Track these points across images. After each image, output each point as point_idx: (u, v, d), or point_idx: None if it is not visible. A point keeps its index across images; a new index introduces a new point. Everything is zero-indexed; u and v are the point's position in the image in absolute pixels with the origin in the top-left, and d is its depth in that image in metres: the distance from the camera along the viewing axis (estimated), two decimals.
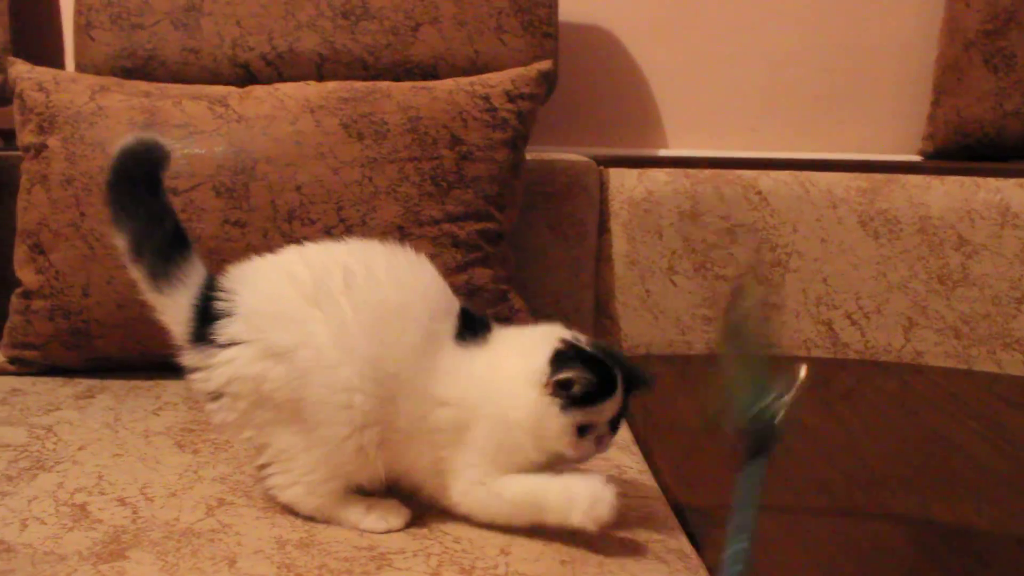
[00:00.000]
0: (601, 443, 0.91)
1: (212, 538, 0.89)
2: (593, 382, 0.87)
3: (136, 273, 0.94)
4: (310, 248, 0.96)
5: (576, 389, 0.87)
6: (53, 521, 0.92)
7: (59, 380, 1.35)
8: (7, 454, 1.09)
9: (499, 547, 0.88)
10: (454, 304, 0.95)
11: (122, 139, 0.94)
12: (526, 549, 0.88)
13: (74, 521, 0.92)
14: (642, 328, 1.64)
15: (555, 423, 0.87)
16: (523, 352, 0.91)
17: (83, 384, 1.33)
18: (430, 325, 0.90)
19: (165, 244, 0.92)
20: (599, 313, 1.64)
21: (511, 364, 0.90)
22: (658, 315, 1.64)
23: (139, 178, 0.93)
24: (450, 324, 0.92)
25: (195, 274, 0.93)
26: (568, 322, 1.48)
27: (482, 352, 0.92)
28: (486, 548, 0.88)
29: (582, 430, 0.89)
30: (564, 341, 0.91)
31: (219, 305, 0.90)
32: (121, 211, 0.93)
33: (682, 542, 0.94)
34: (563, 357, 0.88)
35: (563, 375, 0.87)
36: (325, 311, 0.88)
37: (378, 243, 0.95)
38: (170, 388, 1.30)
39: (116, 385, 1.33)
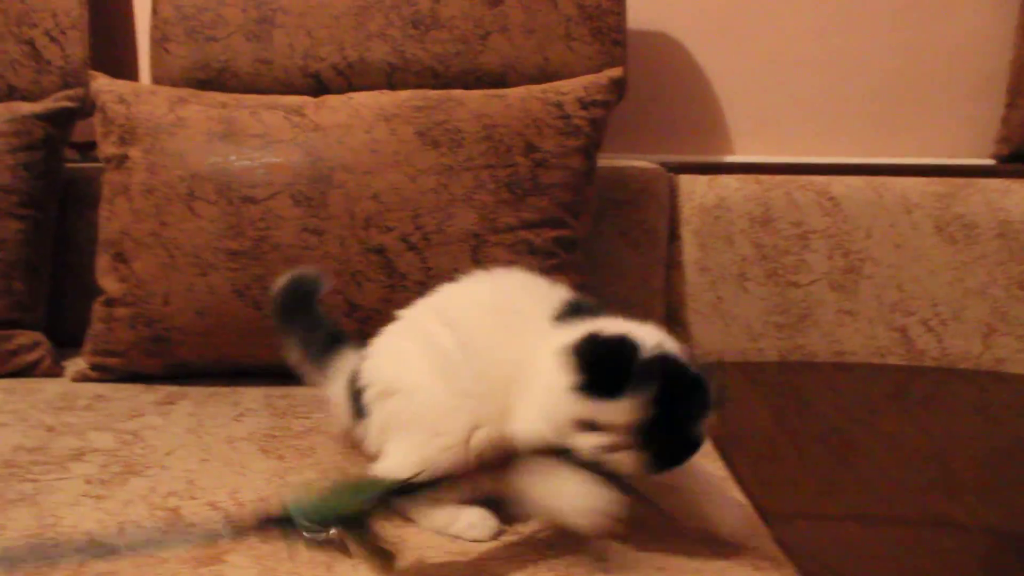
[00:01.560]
0: (609, 453, 0.81)
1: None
2: (598, 367, 0.79)
3: (308, 371, 1.10)
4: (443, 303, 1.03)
5: (581, 368, 0.80)
6: (149, 525, 0.93)
7: (140, 387, 1.37)
8: (98, 458, 1.10)
9: (594, 554, 0.88)
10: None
11: (282, 276, 1.12)
12: (622, 555, 0.88)
13: (169, 526, 0.93)
14: (713, 335, 1.63)
15: (558, 401, 0.81)
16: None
17: (163, 390, 1.35)
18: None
19: (321, 345, 1.09)
20: (669, 320, 1.63)
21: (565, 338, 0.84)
22: (729, 322, 1.62)
23: (298, 302, 1.12)
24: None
25: (348, 362, 1.06)
26: None
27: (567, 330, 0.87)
28: (579, 555, 0.87)
29: (590, 427, 0.81)
30: (630, 333, 0.83)
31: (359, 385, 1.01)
32: (287, 326, 1.11)
33: (774, 550, 0.93)
34: (601, 339, 0.81)
35: (576, 346, 0.80)
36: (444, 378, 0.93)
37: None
38: (248, 394, 1.32)
39: (196, 391, 1.35)
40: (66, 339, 1.50)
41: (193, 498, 1.00)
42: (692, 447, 0.84)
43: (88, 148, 1.77)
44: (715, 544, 0.91)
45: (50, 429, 1.21)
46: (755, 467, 1.19)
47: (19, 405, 1.30)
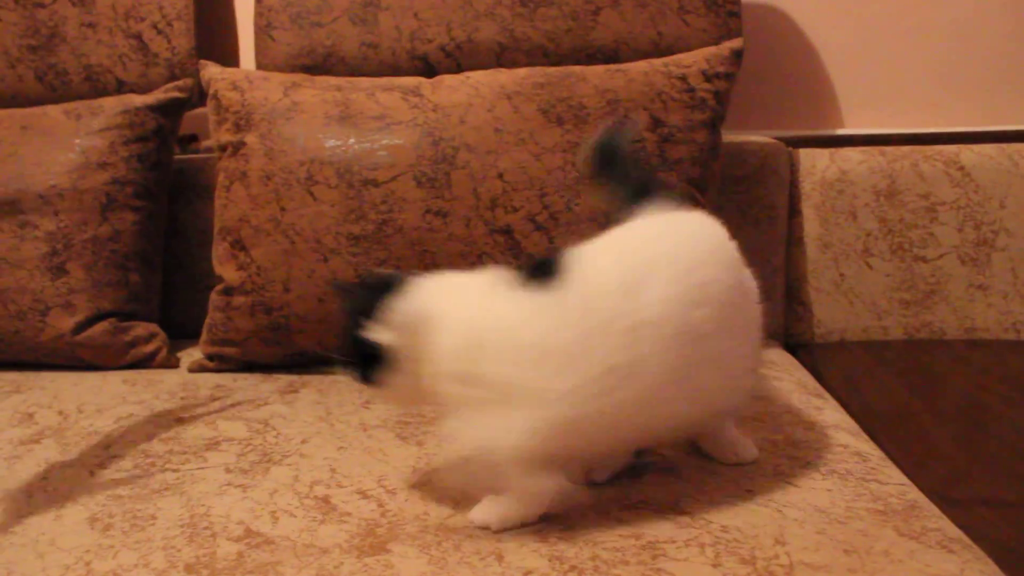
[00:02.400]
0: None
1: (469, 533, 0.86)
2: None
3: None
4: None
5: None
6: (302, 514, 0.91)
7: (258, 376, 1.36)
8: (234, 447, 1.09)
9: (773, 536, 0.83)
10: None
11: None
12: (801, 538, 0.83)
13: (323, 514, 0.91)
14: (836, 313, 1.57)
15: None
16: None
17: (284, 379, 1.34)
18: None
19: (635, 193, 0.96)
20: (790, 298, 1.57)
21: None
22: (853, 299, 1.57)
23: (611, 155, 0.99)
24: None
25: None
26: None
27: None
28: (760, 537, 0.83)
29: None
30: None
31: None
32: (603, 179, 0.99)
33: (957, 531, 0.87)
34: None
35: None
36: None
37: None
38: None
39: (316, 380, 1.33)
40: (174, 330, 1.50)
41: (340, 486, 0.97)
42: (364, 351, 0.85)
43: (188, 141, 1.77)
44: (896, 524, 0.86)
45: (179, 420, 1.20)
46: (906, 447, 1.14)
47: (144, 396, 1.29)
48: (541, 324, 0.81)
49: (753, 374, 0.98)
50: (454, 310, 0.85)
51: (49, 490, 1.00)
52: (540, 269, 0.84)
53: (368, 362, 0.86)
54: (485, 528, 0.86)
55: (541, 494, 0.85)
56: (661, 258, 0.85)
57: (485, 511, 0.87)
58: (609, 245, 0.87)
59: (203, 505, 0.94)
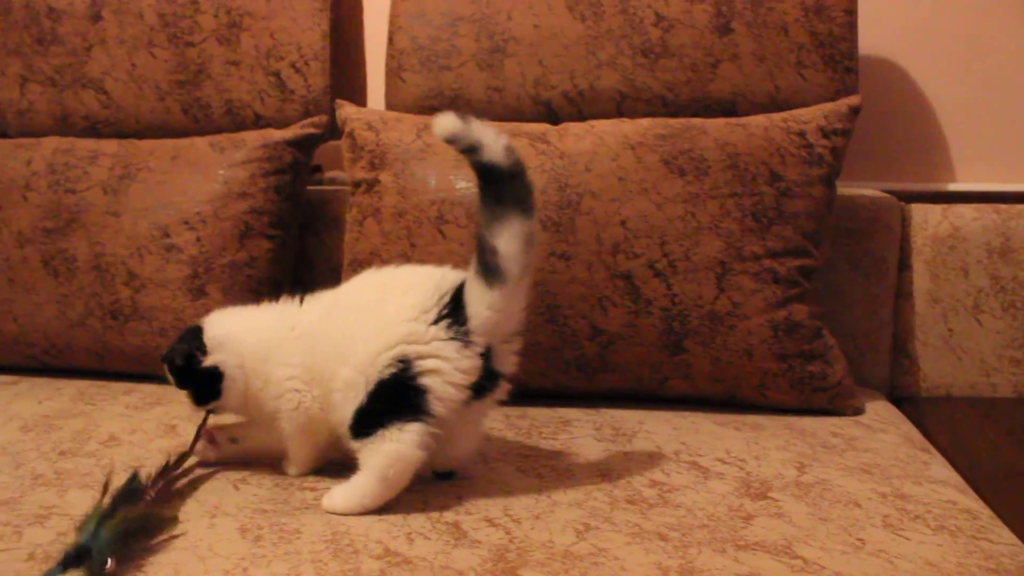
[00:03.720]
0: None
1: (594, 561, 0.92)
2: None
3: None
4: None
5: None
6: (435, 537, 0.97)
7: None
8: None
9: None
10: None
11: None
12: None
13: (455, 539, 0.97)
14: (943, 368, 1.59)
15: None
16: None
17: None
18: None
19: None
20: (897, 352, 1.59)
21: None
22: (961, 355, 1.58)
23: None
24: None
25: None
26: (863, 360, 1.48)
27: None
28: None
29: None
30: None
31: None
32: None
33: None
34: None
35: None
36: None
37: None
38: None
39: None
40: None
41: (469, 514, 1.03)
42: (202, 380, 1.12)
43: (313, 171, 1.87)
44: None
45: None
46: (1015, 508, 1.15)
47: None
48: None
49: None
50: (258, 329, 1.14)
51: (200, 499, 1.08)
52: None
53: (204, 385, 1.11)
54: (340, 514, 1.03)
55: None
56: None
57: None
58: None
59: (343, 523, 1.01)
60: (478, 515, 1.03)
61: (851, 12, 1.51)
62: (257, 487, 1.11)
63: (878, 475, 1.14)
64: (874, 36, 1.71)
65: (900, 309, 1.59)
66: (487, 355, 1.02)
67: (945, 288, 1.58)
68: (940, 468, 1.19)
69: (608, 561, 0.92)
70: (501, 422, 1.33)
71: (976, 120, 1.72)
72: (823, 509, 1.04)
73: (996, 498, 1.17)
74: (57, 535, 0.99)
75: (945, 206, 1.60)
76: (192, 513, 1.04)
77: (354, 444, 1.04)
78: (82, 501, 1.07)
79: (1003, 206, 1.58)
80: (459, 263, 1.33)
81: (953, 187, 1.73)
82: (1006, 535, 1.01)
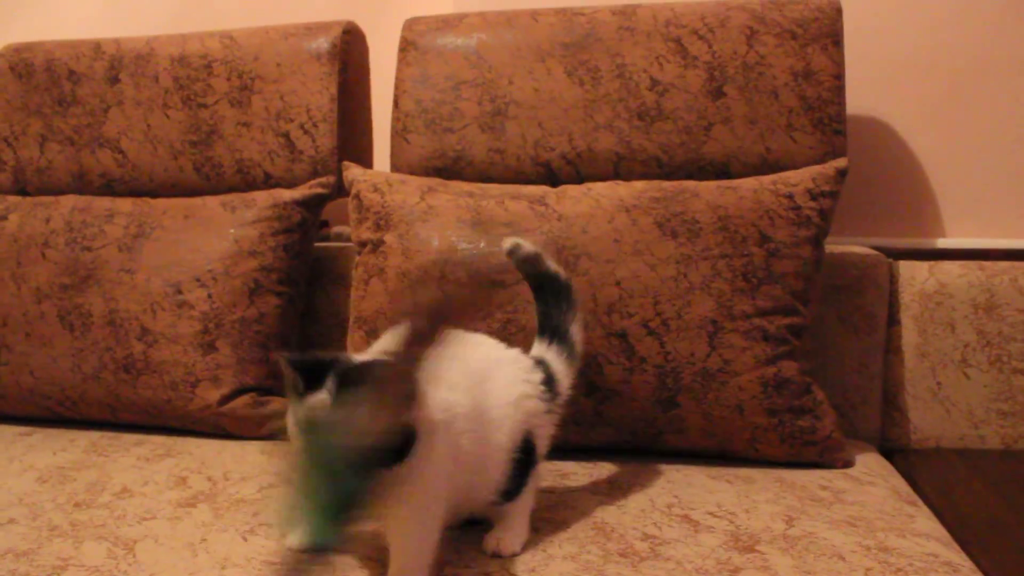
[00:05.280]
0: None
1: None
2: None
3: None
4: None
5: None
6: None
7: None
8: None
9: None
10: None
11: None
12: None
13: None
14: (932, 421, 1.63)
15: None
16: None
17: None
18: None
19: None
20: (887, 405, 1.64)
21: None
22: (949, 408, 1.62)
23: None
24: None
25: None
26: (855, 413, 1.53)
27: None
28: None
29: None
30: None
31: None
32: None
33: None
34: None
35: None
36: None
37: None
38: None
39: None
40: None
41: (468, 567, 1.08)
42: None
43: (320, 227, 1.93)
44: None
45: None
46: (998, 560, 1.19)
47: (280, 467, 1.42)
48: None
49: None
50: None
51: (211, 551, 1.12)
52: None
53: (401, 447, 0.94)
54: None
55: None
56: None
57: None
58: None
59: None
60: (476, 569, 1.07)
61: (839, 77, 1.58)
62: (265, 538, 1.16)
63: (863, 528, 1.18)
64: (862, 96, 1.77)
65: (889, 363, 1.64)
66: None
67: (933, 343, 1.63)
68: (925, 521, 1.23)
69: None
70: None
71: (962, 177, 1.78)
72: (808, 562, 1.08)
73: (979, 550, 1.21)
74: None
75: (932, 263, 1.65)
76: (202, 565, 1.08)
77: (497, 506, 1.13)
78: (96, 553, 1.11)
79: (987, 263, 1.63)
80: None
81: (941, 243, 1.79)
82: None
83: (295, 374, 0.95)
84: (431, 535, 1.02)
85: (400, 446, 0.93)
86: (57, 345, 1.62)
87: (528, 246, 1.21)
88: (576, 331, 1.23)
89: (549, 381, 1.18)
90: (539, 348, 1.22)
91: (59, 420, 1.65)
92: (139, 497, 1.30)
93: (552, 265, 1.22)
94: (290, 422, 0.97)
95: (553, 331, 1.21)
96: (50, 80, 1.84)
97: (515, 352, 1.18)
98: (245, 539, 1.16)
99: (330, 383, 0.94)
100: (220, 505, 1.27)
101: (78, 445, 1.53)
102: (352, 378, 0.93)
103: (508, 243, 1.21)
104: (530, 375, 1.16)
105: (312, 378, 0.94)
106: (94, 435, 1.58)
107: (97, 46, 1.84)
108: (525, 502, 1.15)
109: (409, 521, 1.01)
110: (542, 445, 1.16)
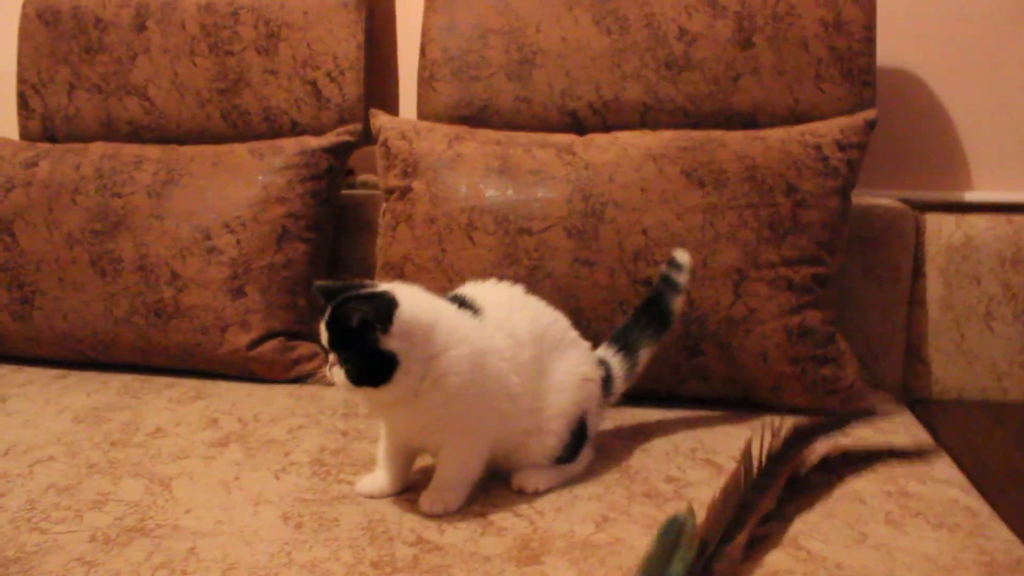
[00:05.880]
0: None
1: (612, 550, 0.98)
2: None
3: None
4: None
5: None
6: (464, 527, 1.04)
7: None
8: None
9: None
10: None
11: None
12: None
13: (483, 528, 1.04)
14: (954, 373, 1.64)
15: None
16: None
17: None
18: None
19: None
20: (910, 357, 1.65)
21: None
22: (972, 360, 1.63)
23: None
24: None
25: None
26: (877, 364, 1.53)
27: None
28: None
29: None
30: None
31: None
32: None
33: None
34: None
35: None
36: None
37: None
38: None
39: None
40: None
41: (496, 507, 1.10)
42: (373, 360, 1.01)
43: (346, 175, 1.94)
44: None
45: (344, 433, 1.34)
46: (1017, 506, 1.20)
47: (309, 410, 1.45)
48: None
49: None
50: (444, 322, 1.07)
51: (244, 488, 1.15)
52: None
53: (377, 366, 1.01)
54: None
55: None
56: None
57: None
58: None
59: (379, 512, 1.08)
60: (505, 508, 1.10)
61: (869, 28, 1.57)
62: (297, 476, 1.18)
63: (884, 474, 1.20)
64: (892, 47, 1.76)
65: (913, 315, 1.64)
66: None
67: (958, 295, 1.63)
68: (945, 468, 1.25)
69: (625, 550, 0.98)
70: None
71: (992, 130, 1.77)
72: (829, 505, 1.09)
73: (999, 497, 1.22)
74: (114, 519, 1.06)
75: (959, 216, 1.65)
76: (236, 502, 1.11)
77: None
78: (134, 489, 1.14)
79: (1016, 216, 1.63)
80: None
81: (969, 196, 1.78)
82: (1003, 532, 1.07)
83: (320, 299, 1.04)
84: (477, 457, 1.10)
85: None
86: (89, 290, 1.64)
87: (686, 275, 1.26)
88: (644, 355, 1.27)
89: (607, 380, 1.23)
90: (605, 351, 1.27)
91: (92, 364, 1.68)
92: (172, 437, 1.33)
93: (678, 304, 1.27)
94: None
95: (625, 344, 1.26)
96: (77, 27, 1.85)
97: (587, 344, 1.23)
98: (277, 477, 1.19)
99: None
100: (251, 445, 1.29)
101: (111, 387, 1.55)
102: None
103: (680, 255, 1.26)
104: (595, 367, 1.21)
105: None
106: (126, 378, 1.61)
107: None
108: (575, 466, 1.19)
109: (459, 438, 1.09)
110: (593, 427, 1.21)
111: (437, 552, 0.98)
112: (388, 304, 1.01)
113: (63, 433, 1.34)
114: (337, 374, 1.02)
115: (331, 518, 1.07)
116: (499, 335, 1.10)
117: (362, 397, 1.08)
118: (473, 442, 1.10)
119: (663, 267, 1.28)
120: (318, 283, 1.05)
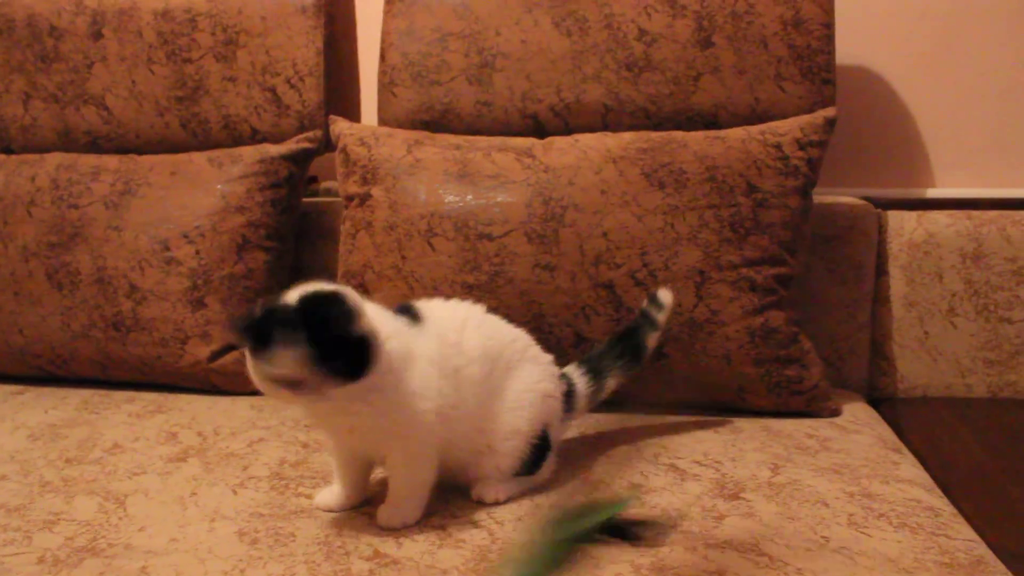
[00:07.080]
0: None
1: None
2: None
3: None
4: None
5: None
6: (422, 539, 1.03)
7: None
8: None
9: None
10: None
11: None
12: None
13: (440, 540, 1.03)
14: (919, 370, 1.64)
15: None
16: None
17: None
18: None
19: None
20: (875, 354, 1.65)
21: None
22: (936, 357, 1.63)
23: None
24: None
25: None
26: (843, 363, 1.53)
27: None
28: None
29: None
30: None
31: None
32: None
33: None
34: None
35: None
36: None
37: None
38: None
39: None
40: None
41: (455, 517, 1.09)
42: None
43: (309, 182, 1.92)
44: None
45: (305, 445, 1.33)
46: (980, 505, 1.20)
47: (270, 422, 1.43)
48: None
49: None
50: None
51: (200, 504, 1.13)
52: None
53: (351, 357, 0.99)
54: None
55: None
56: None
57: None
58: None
59: (335, 527, 1.07)
60: (464, 519, 1.08)
61: (828, 25, 1.56)
62: (255, 491, 1.16)
63: (848, 475, 1.19)
64: (852, 45, 1.76)
65: (877, 313, 1.64)
66: None
67: (921, 292, 1.63)
68: (909, 468, 1.25)
69: (583, 560, 0.97)
70: None
71: (952, 127, 1.77)
72: (792, 508, 1.09)
73: (962, 496, 1.22)
74: (65, 540, 1.04)
75: (920, 213, 1.65)
76: (192, 518, 1.09)
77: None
78: (87, 507, 1.12)
79: (975, 212, 1.63)
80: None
81: (931, 193, 1.78)
82: (965, 531, 1.07)
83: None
84: (424, 463, 1.08)
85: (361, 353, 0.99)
86: (46, 304, 1.62)
87: (666, 314, 1.28)
88: (611, 384, 1.27)
89: (569, 396, 1.23)
90: (572, 369, 1.26)
91: (50, 379, 1.65)
92: (130, 453, 1.31)
93: (652, 340, 1.29)
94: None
95: (594, 369, 1.27)
96: (31, 36, 1.82)
97: (549, 358, 1.22)
98: (235, 492, 1.17)
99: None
100: (210, 459, 1.28)
101: (69, 403, 1.53)
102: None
103: (663, 295, 1.28)
104: (556, 383, 1.21)
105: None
106: (85, 393, 1.58)
107: (79, 1, 1.81)
108: (537, 477, 1.17)
109: (399, 443, 1.07)
110: (555, 439, 1.20)
111: (393, 566, 0.97)
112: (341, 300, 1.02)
113: (17, 451, 1.31)
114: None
115: (287, 533, 1.05)
116: (435, 343, 1.09)
117: (304, 403, 1.05)
118: (415, 447, 1.07)
119: (644, 302, 1.28)
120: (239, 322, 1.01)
